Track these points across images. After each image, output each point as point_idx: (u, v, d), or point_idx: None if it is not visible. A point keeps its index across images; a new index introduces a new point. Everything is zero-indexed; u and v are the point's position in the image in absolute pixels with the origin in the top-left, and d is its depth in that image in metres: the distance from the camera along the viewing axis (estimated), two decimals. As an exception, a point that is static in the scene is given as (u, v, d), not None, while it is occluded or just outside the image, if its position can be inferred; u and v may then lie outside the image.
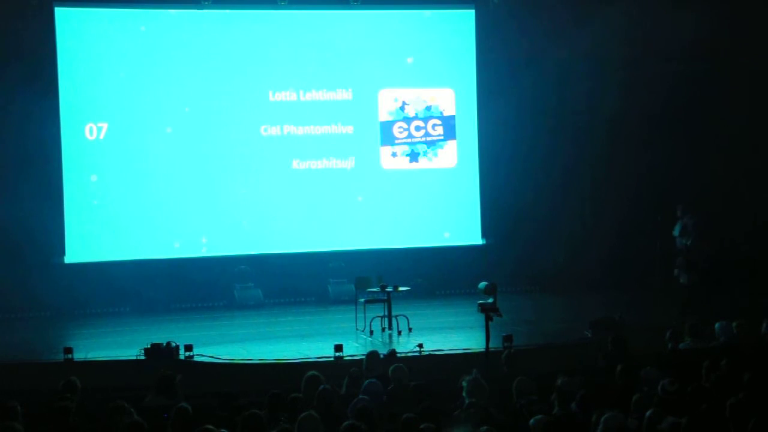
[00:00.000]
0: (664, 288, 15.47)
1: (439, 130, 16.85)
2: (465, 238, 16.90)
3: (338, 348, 10.99)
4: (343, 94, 16.59)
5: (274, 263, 16.15)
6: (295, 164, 16.45)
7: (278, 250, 16.25)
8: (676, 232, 14.18)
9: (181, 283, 15.72)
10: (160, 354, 10.99)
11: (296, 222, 16.31)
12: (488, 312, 10.43)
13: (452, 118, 16.88)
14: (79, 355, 11.27)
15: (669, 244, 16.04)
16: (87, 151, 15.69)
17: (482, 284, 11.58)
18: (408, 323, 13.23)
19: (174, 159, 16.00)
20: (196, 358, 11.24)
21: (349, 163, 16.60)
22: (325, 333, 13.14)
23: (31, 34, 15.27)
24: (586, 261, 16.30)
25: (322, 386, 7.94)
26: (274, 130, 16.36)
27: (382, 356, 9.93)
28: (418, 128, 16.79)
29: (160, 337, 11.55)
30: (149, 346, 11.11)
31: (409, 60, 16.69)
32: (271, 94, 16.37)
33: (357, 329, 13.28)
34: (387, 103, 16.72)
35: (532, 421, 6.75)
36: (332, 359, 10.91)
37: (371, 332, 13.09)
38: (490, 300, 10.55)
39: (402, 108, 16.75)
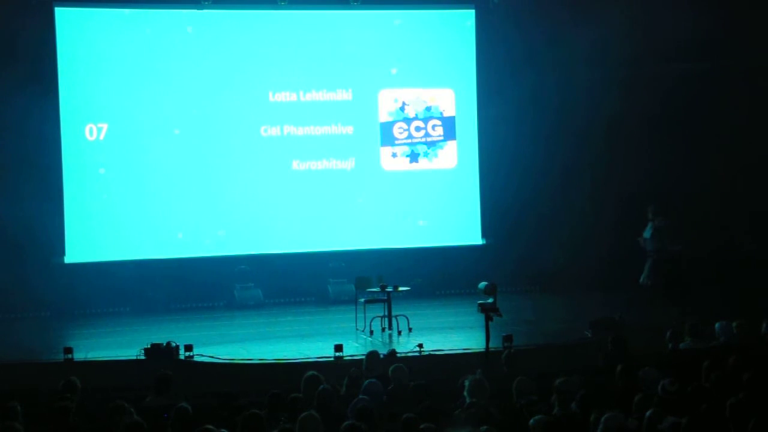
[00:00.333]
0: (663, 288, 15.52)
1: (439, 130, 16.85)
2: (465, 238, 16.90)
3: (338, 348, 11.00)
4: (343, 95, 16.59)
5: (274, 263, 16.15)
6: (296, 165, 16.43)
7: (278, 250, 16.25)
8: (646, 234, 14.17)
9: (181, 283, 15.72)
10: (160, 354, 11.00)
11: (296, 222, 16.30)
12: (488, 312, 10.43)
13: (452, 119, 16.88)
14: (79, 355, 11.27)
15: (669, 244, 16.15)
16: (87, 151, 15.68)
17: (482, 284, 11.58)
18: (408, 323, 13.23)
19: (174, 159, 15.99)
20: (196, 358, 11.25)
21: (349, 164, 16.60)
22: (325, 333, 13.14)
23: (31, 34, 15.27)
24: (586, 261, 16.28)
25: (322, 386, 7.94)
26: (274, 131, 16.35)
27: (382, 356, 9.93)
28: (418, 129, 16.79)
29: (160, 337, 11.56)
30: (149, 346, 11.11)
31: (393, 71, 16.65)
32: (271, 94, 16.36)
33: (357, 329, 13.28)
34: (387, 103, 16.72)
35: (532, 421, 6.75)
36: (332, 359, 10.91)
37: (371, 332, 13.09)
38: (490, 300, 10.55)
39: (402, 108, 16.74)
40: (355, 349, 11.69)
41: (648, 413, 6.75)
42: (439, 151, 16.86)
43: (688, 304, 13.55)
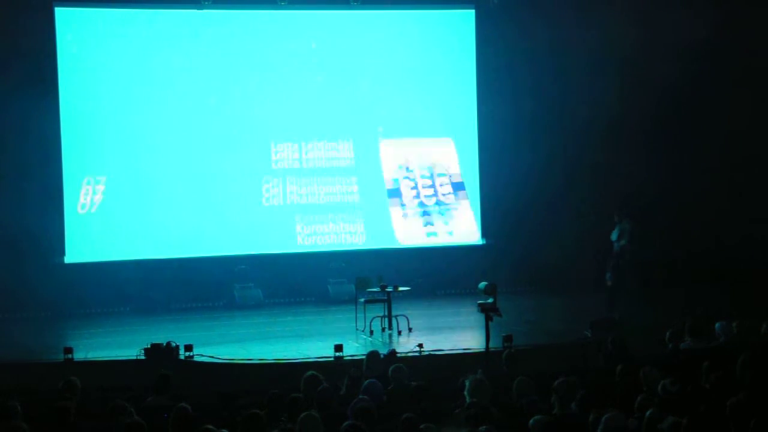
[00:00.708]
0: (664, 288, 15.54)
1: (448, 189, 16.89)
2: (465, 238, 16.90)
3: (338, 348, 11.00)
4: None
5: (274, 263, 16.15)
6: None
7: (278, 250, 16.25)
8: (613, 236, 14.18)
9: (181, 283, 15.72)
10: (160, 354, 11.00)
11: (296, 222, 16.31)
12: (488, 312, 10.42)
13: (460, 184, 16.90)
14: (79, 355, 11.29)
15: (667, 244, 16.17)
16: (87, 151, 15.68)
17: (482, 284, 11.57)
18: (408, 323, 13.23)
19: (174, 159, 15.99)
20: (196, 358, 11.25)
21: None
22: (325, 333, 13.15)
23: (31, 35, 15.26)
24: (586, 261, 16.27)
25: (321, 386, 7.94)
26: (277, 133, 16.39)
27: (382, 356, 9.93)
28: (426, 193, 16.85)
29: (160, 337, 11.56)
30: (149, 346, 11.13)
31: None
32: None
33: (357, 329, 13.28)
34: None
35: (532, 421, 6.75)
36: (332, 359, 10.92)
37: (371, 332, 13.09)
38: (490, 300, 10.54)
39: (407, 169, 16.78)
40: (355, 349, 11.70)
41: (648, 413, 6.74)
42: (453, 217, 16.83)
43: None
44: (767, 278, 14.86)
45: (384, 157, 16.75)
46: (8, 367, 11.02)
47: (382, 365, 9.37)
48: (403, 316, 13.24)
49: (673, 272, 16.31)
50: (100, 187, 15.70)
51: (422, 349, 11.27)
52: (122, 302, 15.56)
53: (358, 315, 13.38)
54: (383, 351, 10.49)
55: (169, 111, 16.00)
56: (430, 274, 16.44)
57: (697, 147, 16.86)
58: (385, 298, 13.33)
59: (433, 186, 16.93)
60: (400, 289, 13.55)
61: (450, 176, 17.02)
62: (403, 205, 16.76)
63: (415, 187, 16.87)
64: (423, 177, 16.93)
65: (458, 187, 17.01)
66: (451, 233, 16.84)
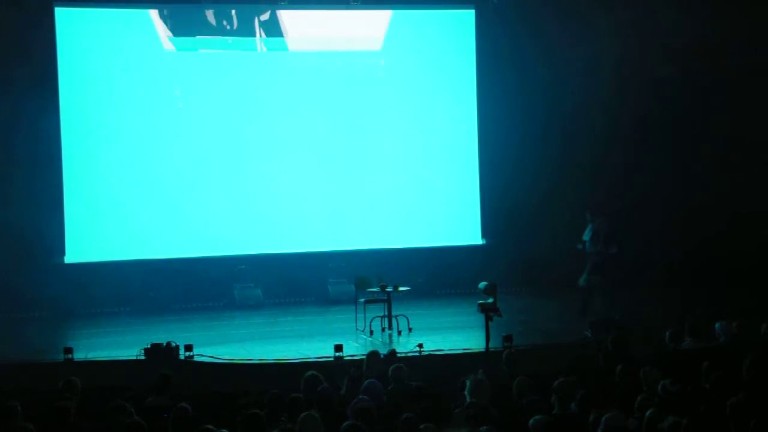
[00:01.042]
0: (663, 287, 15.55)
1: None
2: (465, 238, 16.90)
3: (338, 348, 11.01)
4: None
5: (274, 263, 16.15)
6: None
7: (278, 250, 16.25)
8: (586, 236, 14.17)
9: (181, 283, 15.72)
10: (160, 354, 11.00)
11: (296, 222, 16.31)
12: (488, 312, 10.43)
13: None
14: (79, 355, 11.29)
15: (666, 244, 16.16)
16: (87, 151, 15.69)
17: (482, 284, 11.58)
18: (408, 323, 13.23)
19: (174, 158, 16.00)
20: (196, 358, 11.25)
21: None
22: (325, 333, 13.14)
23: (31, 35, 15.27)
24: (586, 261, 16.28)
25: (321, 386, 7.94)
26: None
27: (382, 356, 9.93)
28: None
29: (160, 337, 11.56)
30: (149, 346, 11.13)
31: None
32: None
33: (357, 329, 13.28)
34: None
35: (532, 421, 6.75)
36: (332, 359, 10.92)
37: (371, 332, 13.09)
38: (490, 300, 10.55)
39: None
40: (355, 349, 11.70)
41: (648, 413, 6.75)
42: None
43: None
44: (764, 278, 14.88)
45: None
46: (8, 367, 11.01)
47: (382, 365, 9.38)
48: (403, 316, 13.24)
49: (673, 272, 16.32)
50: (100, 187, 15.71)
51: (422, 349, 11.27)
52: (122, 302, 15.55)
53: (358, 315, 13.38)
54: (383, 351, 10.49)
55: (169, 111, 15.98)
56: (430, 274, 16.44)
57: (692, 148, 16.86)
58: (385, 298, 13.33)
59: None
60: (400, 289, 13.55)
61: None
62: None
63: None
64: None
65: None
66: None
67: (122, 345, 12.29)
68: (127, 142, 15.84)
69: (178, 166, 16.01)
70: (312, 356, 11.23)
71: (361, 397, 7.70)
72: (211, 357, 11.35)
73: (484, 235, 16.95)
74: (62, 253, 15.48)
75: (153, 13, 15.90)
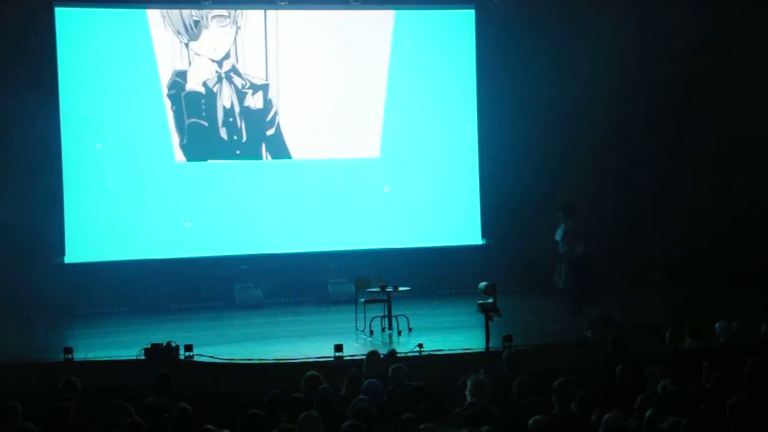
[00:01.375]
0: (663, 287, 15.55)
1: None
2: (465, 238, 16.90)
3: (338, 348, 11.00)
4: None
5: (274, 263, 16.15)
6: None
7: (278, 250, 16.25)
8: (557, 236, 14.15)
9: (181, 283, 15.71)
10: (160, 354, 10.99)
11: (297, 222, 16.32)
12: (488, 312, 10.43)
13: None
14: (79, 355, 11.28)
15: (667, 244, 16.15)
16: (87, 151, 15.69)
17: (482, 284, 11.56)
18: (408, 323, 13.22)
19: (174, 159, 15.99)
20: (196, 358, 11.25)
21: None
22: (325, 333, 13.14)
23: (31, 35, 15.27)
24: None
25: (322, 386, 7.94)
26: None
27: (382, 356, 9.93)
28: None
29: (160, 337, 11.55)
30: (149, 346, 11.11)
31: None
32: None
33: (357, 329, 13.28)
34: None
35: (531, 421, 6.75)
36: (332, 359, 10.91)
37: (371, 332, 13.09)
38: (490, 300, 10.55)
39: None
40: (355, 349, 11.69)
41: (648, 413, 6.75)
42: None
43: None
44: (765, 278, 14.88)
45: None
46: (8, 367, 11.00)
47: (382, 365, 9.37)
48: (403, 316, 13.24)
49: (673, 272, 16.32)
50: (100, 187, 15.72)
51: (422, 349, 11.26)
52: (122, 302, 15.55)
53: (358, 315, 13.38)
54: (383, 351, 10.49)
55: (169, 110, 15.98)
56: (430, 274, 16.43)
57: (692, 147, 16.86)
58: (385, 298, 13.32)
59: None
60: (400, 289, 13.54)
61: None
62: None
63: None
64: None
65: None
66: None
67: (122, 345, 12.28)
68: (127, 142, 15.83)
69: (179, 165, 16.00)
70: (312, 356, 11.21)
71: (361, 397, 7.70)
72: (211, 357, 11.34)
73: (484, 235, 16.95)
74: (62, 253, 15.48)
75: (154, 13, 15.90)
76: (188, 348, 11.29)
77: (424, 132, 16.85)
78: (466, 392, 7.60)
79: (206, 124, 16.03)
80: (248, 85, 16.07)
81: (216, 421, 6.99)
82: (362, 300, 13.48)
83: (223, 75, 15.99)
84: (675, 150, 16.93)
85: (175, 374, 9.22)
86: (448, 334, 12.85)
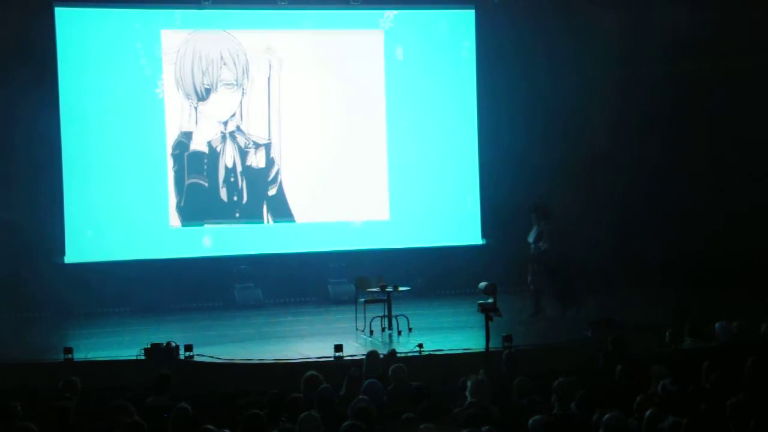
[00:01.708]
0: (662, 288, 15.55)
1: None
2: (465, 238, 16.90)
3: (338, 348, 10.99)
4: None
5: (274, 263, 16.15)
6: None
7: (278, 250, 16.25)
8: (530, 237, 14.16)
9: (181, 283, 15.71)
10: (160, 354, 11.00)
11: (297, 221, 16.34)
12: (488, 312, 10.42)
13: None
14: (79, 355, 11.28)
15: (664, 244, 16.15)
16: (87, 151, 15.69)
17: (482, 284, 11.55)
18: (408, 323, 13.22)
19: (174, 159, 16.00)
20: (196, 358, 11.25)
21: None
22: (325, 333, 13.14)
23: (31, 35, 15.27)
24: (586, 261, 16.29)
25: (321, 386, 7.94)
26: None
27: (382, 356, 9.93)
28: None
29: (160, 337, 11.56)
30: (149, 346, 11.12)
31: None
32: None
33: (357, 329, 13.28)
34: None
35: (531, 421, 6.75)
36: (332, 359, 10.91)
37: (371, 332, 13.09)
38: (490, 300, 10.55)
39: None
40: (355, 349, 11.68)
41: (648, 413, 6.75)
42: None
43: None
44: (764, 278, 14.87)
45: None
46: (8, 367, 11.01)
47: (382, 365, 9.38)
48: (403, 316, 13.24)
49: (670, 272, 16.31)
50: (100, 187, 15.72)
51: (422, 349, 11.26)
52: (122, 302, 15.55)
53: (358, 315, 13.38)
54: (383, 351, 10.50)
55: (169, 111, 15.98)
56: (430, 274, 16.43)
57: (692, 147, 16.86)
58: (385, 298, 13.32)
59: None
60: (400, 289, 13.54)
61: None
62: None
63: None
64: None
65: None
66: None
67: (122, 345, 12.29)
68: (127, 142, 15.83)
69: (179, 166, 16.01)
70: (312, 356, 11.21)
71: (361, 397, 7.70)
72: (211, 357, 11.34)
73: (484, 235, 16.95)
74: (62, 253, 15.48)
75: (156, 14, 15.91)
76: (188, 348, 11.29)
77: (424, 132, 16.84)
78: (467, 393, 7.60)
79: (206, 184, 16.13)
80: (251, 143, 16.15)
81: (216, 421, 6.99)
82: (362, 300, 13.48)
83: (227, 134, 16.07)
84: (673, 150, 16.93)
85: (175, 374, 9.23)
86: (448, 334, 12.85)
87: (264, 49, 16.24)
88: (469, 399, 7.51)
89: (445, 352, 11.43)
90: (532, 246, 14.06)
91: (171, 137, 15.98)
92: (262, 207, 16.35)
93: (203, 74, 15.95)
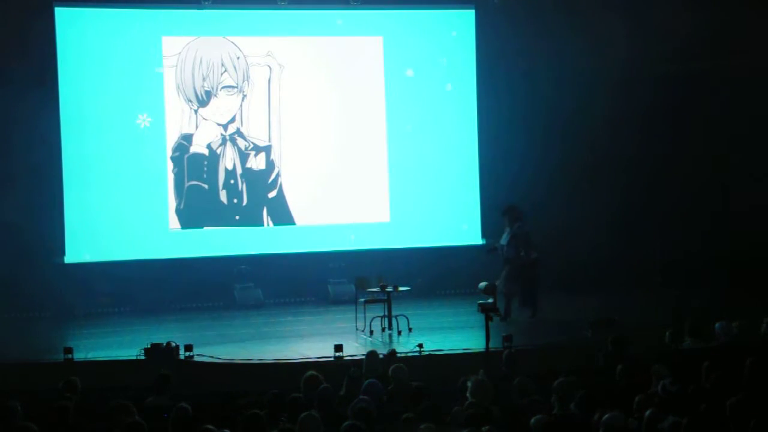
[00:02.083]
0: (662, 288, 15.55)
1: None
2: (465, 238, 16.90)
3: (338, 348, 10.99)
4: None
5: (274, 263, 16.15)
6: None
7: (278, 250, 16.25)
8: (503, 240, 14.13)
9: (181, 283, 15.70)
10: (160, 354, 11.00)
11: (297, 221, 16.35)
12: (488, 312, 10.43)
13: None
14: (79, 355, 11.28)
15: (665, 244, 16.14)
16: (87, 151, 15.69)
17: (482, 284, 11.57)
18: (408, 323, 13.22)
19: (174, 158, 16.00)
20: (196, 358, 11.25)
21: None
22: (325, 333, 13.14)
23: (31, 35, 15.27)
24: (586, 261, 16.30)
25: (321, 386, 7.94)
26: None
27: (382, 356, 9.93)
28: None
29: (160, 337, 11.56)
30: (149, 346, 11.12)
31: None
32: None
33: (357, 329, 13.28)
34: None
35: (532, 421, 6.75)
36: (332, 359, 10.91)
37: (371, 332, 13.09)
38: (490, 300, 10.56)
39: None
40: (355, 349, 11.68)
41: (648, 413, 6.75)
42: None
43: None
44: (764, 278, 14.88)
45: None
46: (8, 367, 11.01)
47: (382, 365, 9.38)
48: (403, 316, 13.23)
49: (671, 273, 16.31)
50: (100, 187, 15.72)
51: (422, 349, 11.26)
52: (122, 302, 15.55)
53: (358, 315, 13.38)
54: (383, 351, 10.50)
55: (169, 111, 15.98)
56: (430, 274, 16.42)
57: (691, 147, 16.87)
58: (385, 298, 13.32)
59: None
60: (400, 289, 13.54)
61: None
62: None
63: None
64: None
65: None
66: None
67: (122, 345, 12.29)
68: (127, 142, 15.83)
69: (179, 166, 16.01)
70: (312, 356, 11.21)
71: (361, 397, 7.70)
72: (211, 357, 11.34)
73: (484, 235, 16.94)
74: (62, 253, 15.48)
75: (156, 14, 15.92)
76: (188, 348, 11.29)
77: (424, 132, 16.84)
78: (468, 394, 7.60)
79: (206, 186, 16.13)
80: (251, 146, 16.16)
81: (216, 421, 6.99)
82: (362, 300, 13.47)
83: (227, 137, 16.09)
84: (673, 150, 16.94)
85: (175, 374, 9.23)
86: (448, 334, 12.85)
87: (264, 54, 16.24)
88: (469, 399, 7.51)
89: (445, 352, 11.42)
90: (505, 249, 13.98)
91: (171, 139, 16.00)
92: (262, 210, 16.35)
93: (204, 78, 15.97)
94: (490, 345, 10.48)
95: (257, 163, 16.31)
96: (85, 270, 15.38)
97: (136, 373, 10.47)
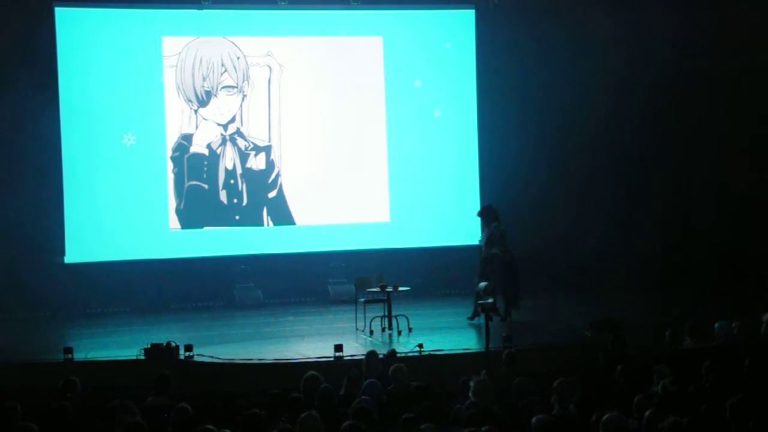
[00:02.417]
0: (662, 288, 15.55)
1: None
2: (465, 238, 16.87)
3: (338, 348, 10.99)
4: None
5: (274, 263, 16.15)
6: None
7: (278, 250, 16.26)
8: (481, 241, 14.11)
9: (181, 283, 15.71)
10: (160, 354, 11.00)
11: (297, 220, 16.35)
12: (488, 312, 10.43)
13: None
14: (79, 355, 11.28)
15: (664, 244, 16.14)
16: (87, 151, 15.69)
17: (482, 284, 11.56)
18: (408, 323, 13.22)
19: (174, 158, 16.00)
20: (196, 358, 11.25)
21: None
22: (325, 333, 13.14)
23: (31, 35, 15.27)
24: (586, 261, 16.30)
25: (322, 386, 7.94)
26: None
27: (381, 356, 9.93)
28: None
29: (160, 337, 11.57)
30: (149, 346, 11.13)
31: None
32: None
33: (357, 329, 13.28)
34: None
35: (532, 421, 6.75)
36: (332, 359, 10.91)
37: (371, 332, 13.08)
38: (490, 300, 10.56)
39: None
40: (355, 349, 11.67)
41: (648, 413, 6.75)
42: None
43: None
44: (764, 278, 14.87)
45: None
46: (8, 367, 11.01)
47: (381, 365, 9.38)
48: (403, 316, 13.23)
49: (671, 272, 16.32)
50: (100, 187, 15.72)
51: (422, 349, 11.26)
52: (122, 302, 15.55)
53: (358, 315, 13.37)
54: (383, 351, 10.49)
55: (169, 111, 15.98)
56: (430, 274, 16.42)
57: (695, 147, 16.87)
58: (385, 298, 13.31)
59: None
60: (400, 289, 13.54)
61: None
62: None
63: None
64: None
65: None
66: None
67: (122, 345, 12.28)
68: (128, 142, 15.82)
69: (179, 166, 16.01)
70: (312, 356, 11.21)
71: (361, 397, 7.70)
72: (211, 357, 11.34)
73: (484, 236, 16.92)
74: (62, 253, 15.48)
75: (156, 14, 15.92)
76: (188, 348, 11.29)
77: (424, 132, 16.84)
78: (470, 394, 7.59)
79: (206, 186, 16.12)
80: (251, 146, 16.17)
81: (216, 421, 6.99)
82: (362, 300, 13.47)
83: (227, 137, 16.09)
84: (672, 150, 16.94)
85: (175, 374, 9.23)
86: (448, 334, 12.84)
87: (264, 54, 16.25)
88: (471, 399, 7.50)
89: (445, 352, 11.42)
90: (483, 249, 13.93)
91: (171, 139, 16.00)
92: (262, 210, 16.35)
93: (204, 78, 15.98)
94: (490, 345, 10.47)
95: (257, 163, 16.32)
96: (85, 270, 15.38)
97: (136, 373, 10.47)
